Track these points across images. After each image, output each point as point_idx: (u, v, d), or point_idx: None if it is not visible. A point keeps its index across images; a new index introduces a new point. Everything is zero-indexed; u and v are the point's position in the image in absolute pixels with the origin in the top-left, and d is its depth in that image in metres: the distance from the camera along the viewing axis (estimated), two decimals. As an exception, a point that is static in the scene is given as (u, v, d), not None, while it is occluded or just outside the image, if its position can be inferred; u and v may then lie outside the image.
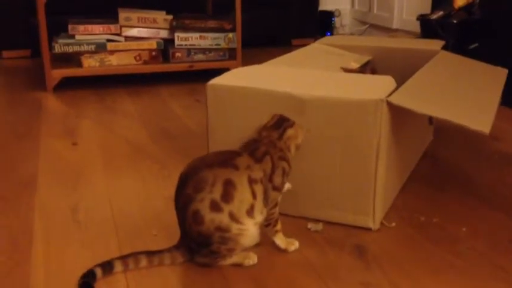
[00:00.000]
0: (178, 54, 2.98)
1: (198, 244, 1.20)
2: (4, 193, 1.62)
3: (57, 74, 2.80)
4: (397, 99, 1.32)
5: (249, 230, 1.21)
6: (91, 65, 2.87)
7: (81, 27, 2.89)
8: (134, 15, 2.96)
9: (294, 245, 1.31)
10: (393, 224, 1.43)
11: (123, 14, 2.96)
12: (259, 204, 1.22)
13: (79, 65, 2.86)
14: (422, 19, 3.25)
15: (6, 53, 3.61)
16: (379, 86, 1.42)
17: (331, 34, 4.39)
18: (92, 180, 1.71)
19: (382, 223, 1.43)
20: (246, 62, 2.30)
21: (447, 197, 1.60)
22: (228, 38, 3.01)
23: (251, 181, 1.20)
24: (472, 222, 1.45)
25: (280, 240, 1.30)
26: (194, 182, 1.19)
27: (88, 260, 1.23)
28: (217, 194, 1.17)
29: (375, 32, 4.30)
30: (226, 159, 1.22)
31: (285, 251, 1.30)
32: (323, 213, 1.44)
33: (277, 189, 1.25)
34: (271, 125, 1.29)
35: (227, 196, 1.18)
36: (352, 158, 1.37)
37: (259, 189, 1.21)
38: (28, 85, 2.93)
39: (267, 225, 1.27)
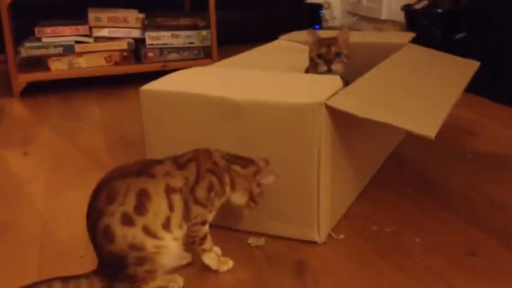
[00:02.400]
0: (150, 54, 2.88)
1: (112, 267, 1.09)
2: None
3: (23, 78, 2.71)
4: (337, 102, 1.20)
5: (168, 247, 1.09)
6: (59, 68, 2.77)
7: (48, 30, 2.79)
8: (104, 14, 2.86)
9: (227, 264, 1.20)
10: (341, 236, 1.31)
11: (92, 14, 2.85)
12: (177, 216, 1.09)
13: (46, 68, 2.77)
14: (407, 9, 3.11)
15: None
16: (323, 87, 1.30)
17: (320, 27, 4.26)
18: (31, 194, 1.61)
19: (329, 235, 1.31)
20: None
21: (407, 203, 1.47)
22: (201, 36, 2.89)
23: (169, 190, 1.09)
24: (429, 231, 1.33)
25: (209, 260, 1.19)
26: (105, 193, 1.07)
27: (2, 284, 1.13)
28: (129, 205, 1.05)
29: (364, 24, 4.17)
30: (144, 168, 1.11)
31: (216, 271, 1.19)
32: (265, 227, 1.32)
33: (201, 204, 1.13)
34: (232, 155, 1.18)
35: (141, 208, 1.06)
36: (292, 167, 1.25)
37: (177, 199, 1.10)
38: (-4, 91, 2.84)
39: (191, 243, 1.15)
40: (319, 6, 4.25)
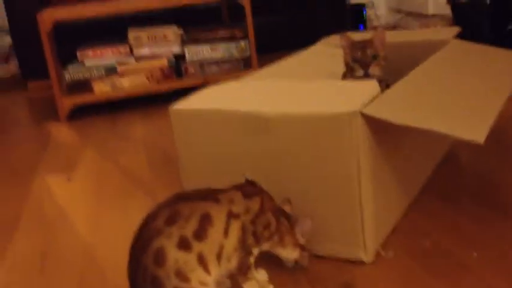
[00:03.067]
0: (191, 69, 2.86)
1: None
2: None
3: (68, 102, 2.74)
4: (373, 110, 1.12)
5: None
6: (102, 89, 2.79)
7: (89, 52, 2.82)
8: (144, 33, 2.86)
9: (268, 289, 1.13)
10: (391, 254, 1.22)
11: (132, 34, 2.87)
12: (228, 245, 1.04)
13: (91, 90, 2.79)
14: (453, 2, 2.97)
15: (31, 84, 3.60)
16: (359, 93, 1.22)
17: (365, 27, 4.15)
18: (72, 221, 1.60)
19: (378, 253, 1.23)
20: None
21: (462, 213, 1.36)
22: (240, 47, 2.85)
23: (230, 215, 1.04)
24: (486, 245, 1.22)
25: (251, 287, 1.12)
26: (166, 215, 1.01)
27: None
28: (190, 229, 1.00)
29: (410, 20, 4.02)
30: (209, 193, 1.07)
31: (258, 298, 1.12)
32: (308, 247, 1.24)
33: (256, 237, 1.07)
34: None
35: (201, 232, 1.00)
36: (330, 182, 1.17)
37: (235, 226, 1.04)
38: (44, 116, 2.88)
39: (239, 273, 1.08)
40: (362, 6, 4.14)
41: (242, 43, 2.84)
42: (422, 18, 3.81)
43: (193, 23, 3.06)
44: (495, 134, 1.72)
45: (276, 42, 3.46)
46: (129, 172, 1.92)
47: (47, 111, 2.95)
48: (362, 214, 1.17)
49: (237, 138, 1.24)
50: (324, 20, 3.84)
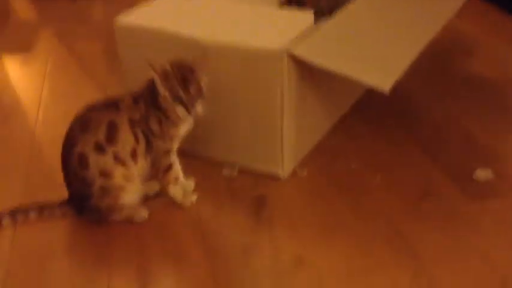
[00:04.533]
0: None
1: (79, 198, 1.19)
2: None
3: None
4: (299, 50, 1.20)
5: (133, 182, 1.19)
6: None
7: None
8: None
9: (190, 199, 1.28)
10: (305, 173, 1.37)
11: None
12: (141, 148, 1.18)
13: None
14: None
15: None
16: (292, 26, 1.29)
17: None
18: (24, 108, 1.69)
19: (294, 171, 1.37)
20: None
21: (381, 136, 1.50)
22: None
23: (132, 123, 1.17)
24: (392, 169, 1.37)
25: (174, 192, 1.26)
26: (80, 124, 1.16)
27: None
28: (101, 135, 1.14)
29: None
30: (110, 101, 1.19)
31: (180, 205, 1.27)
32: (237, 159, 1.38)
33: (156, 136, 1.19)
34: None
35: (111, 137, 1.15)
36: (258, 106, 1.29)
37: (139, 131, 1.17)
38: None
39: (156, 175, 1.23)
40: None
41: None
42: None
43: None
44: (442, 64, 1.81)
45: None
46: (84, 61, 1.98)
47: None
48: (282, 137, 1.30)
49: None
50: None
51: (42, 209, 1.24)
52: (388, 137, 1.49)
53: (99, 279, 1.09)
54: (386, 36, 1.34)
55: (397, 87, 1.66)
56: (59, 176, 1.21)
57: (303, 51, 1.20)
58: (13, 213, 1.23)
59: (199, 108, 1.16)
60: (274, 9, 1.48)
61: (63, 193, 1.22)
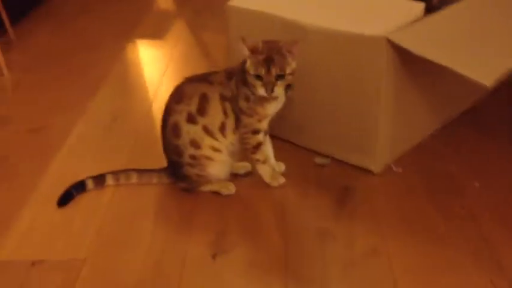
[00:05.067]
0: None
1: (174, 164, 1.26)
2: (68, 96, 1.80)
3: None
4: (398, 37, 1.18)
5: (220, 152, 1.23)
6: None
7: None
8: None
9: (278, 181, 1.30)
10: (400, 170, 1.33)
11: None
12: (230, 123, 1.22)
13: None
14: None
15: None
16: (400, 14, 1.27)
17: None
18: (146, 85, 1.82)
19: (390, 167, 1.34)
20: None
21: (489, 145, 1.41)
22: None
23: (222, 97, 1.22)
24: (494, 177, 1.28)
25: (262, 171, 1.29)
26: (175, 95, 1.24)
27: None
28: (193, 106, 1.21)
29: None
30: (205, 75, 1.25)
31: (268, 185, 1.30)
32: (328, 149, 1.38)
33: (244, 113, 1.22)
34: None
35: (202, 109, 1.21)
36: (355, 94, 1.27)
37: (229, 107, 1.22)
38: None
39: (245, 150, 1.27)
40: None
41: None
42: None
43: None
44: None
45: None
46: (209, 50, 2.09)
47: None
48: (378, 129, 1.27)
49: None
50: None
51: (142, 174, 1.33)
52: (496, 146, 1.40)
53: (179, 241, 1.15)
54: (492, 36, 1.26)
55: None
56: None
57: (403, 39, 1.17)
58: (116, 174, 1.33)
59: (278, 90, 1.16)
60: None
61: (163, 163, 1.31)
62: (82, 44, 2.20)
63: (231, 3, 1.45)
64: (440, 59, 1.13)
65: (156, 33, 2.29)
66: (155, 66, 1.98)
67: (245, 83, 1.20)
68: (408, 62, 1.25)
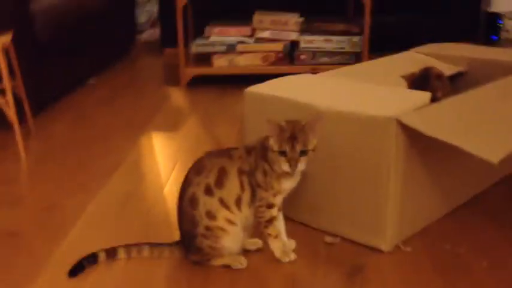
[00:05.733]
0: (303, 56, 3.04)
1: (187, 235, 1.28)
2: (85, 178, 1.86)
3: (189, 72, 3.05)
4: (408, 118, 1.25)
5: (234, 225, 1.26)
6: (221, 64, 3.06)
7: (216, 29, 3.10)
8: (267, 17, 3.09)
9: (289, 256, 1.32)
10: (408, 249, 1.35)
11: (258, 17, 3.10)
12: (246, 197, 1.26)
13: (210, 64, 3.08)
14: None
15: (167, 50, 4.00)
16: (406, 102, 1.35)
17: (498, 38, 4.05)
18: (159, 171, 1.88)
19: (398, 247, 1.36)
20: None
21: (497, 230, 1.44)
22: (352, 42, 2.98)
23: (240, 171, 1.26)
24: (502, 259, 1.30)
25: (274, 246, 1.31)
26: (195, 168, 1.30)
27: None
28: (212, 179, 1.25)
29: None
30: (225, 150, 1.32)
31: (279, 260, 1.31)
32: (338, 229, 1.41)
33: (260, 187, 1.26)
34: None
35: (219, 182, 1.25)
36: (365, 175, 1.32)
37: (246, 181, 1.26)
38: (168, 80, 3.23)
39: (258, 224, 1.30)
40: (498, 16, 4.03)
41: (354, 38, 2.97)
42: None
43: (316, 13, 3.22)
44: None
45: (394, 42, 3.51)
46: (220, 141, 2.17)
47: (172, 76, 3.30)
48: (387, 209, 1.31)
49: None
50: (453, 26, 3.80)
51: (154, 247, 1.35)
52: (501, 231, 1.43)
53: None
54: (498, 120, 1.33)
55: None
56: (174, 223, 1.33)
57: (412, 120, 1.24)
58: (128, 248, 1.35)
59: (301, 165, 1.22)
60: (394, 88, 1.54)
61: (175, 237, 1.33)
62: (98, 135, 2.29)
63: (249, 89, 1.54)
64: (449, 138, 1.19)
65: (168, 126, 2.39)
66: (168, 155, 2.05)
67: (265, 158, 1.26)
68: (418, 145, 1.31)
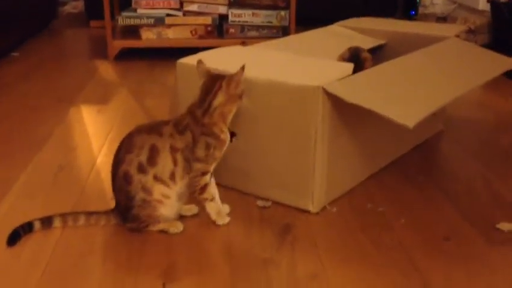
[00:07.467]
0: (232, 30, 3.08)
1: (123, 206, 1.31)
2: (12, 150, 1.84)
3: (117, 44, 3.03)
4: (332, 87, 1.33)
5: (170, 198, 1.31)
6: (149, 37, 3.06)
7: (143, 2, 3.08)
8: (195, -9, 3.09)
9: (223, 220, 1.38)
10: (334, 209, 1.44)
11: (185, -10, 3.10)
12: (179, 171, 1.31)
13: (138, 37, 3.06)
14: (492, 1, 3.04)
15: (93, 23, 3.93)
16: (332, 72, 1.43)
17: (416, 13, 4.24)
18: (90, 144, 1.88)
19: (325, 208, 1.45)
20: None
21: (412, 188, 1.56)
22: (280, 16, 3.04)
23: (173, 149, 1.30)
24: (418, 215, 1.42)
25: (210, 209, 1.37)
26: (126, 145, 1.32)
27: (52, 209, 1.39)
28: (143, 157, 1.29)
29: (462, 13, 4.08)
30: (154, 126, 1.34)
31: (214, 222, 1.37)
32: (269, 193, 1.48)
33: (200, 160, 1.32)
34: (197, 102, 1.34)
35: (152, 160, 1.29)
36: (293, 141, 1.40)
37: (180, 157, 1.30)
38: (96, 53, 3.19)
39: (193, 192, 1.35)
40: (417, -9, 4.21)
41: (282, 12, 3.04)
42: (471, 12, 3.86)
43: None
44: (487, 137, 1.89)
45: (317, 14, 3.60)
46: (151, 113, 2.18)
47: (99, 49, 3.25)
48: (314, 172, 1.39)
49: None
50: (373, 1, 3.94)
51: (90, 215, 1.37)
52: (418, 190, 1.55)
53: (127, 280, 1.18)
54: (419, 86, 1.44)
55: (441, 152, 1.74)
56: (109, 193, 1.35)
57: (336, 89, 1.32)
58: (64, 216, 1.37)
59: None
60: (320, 60, 1.61)
61: (110, 206, 1.36)
62: (25, 107, 2.25)
63: (180, 60, 1.57)
64: (368, 105, 1.28)
65: (98, 99, 2.37)
66: (99, 127, 2.05)
67: (205, 132, 1.31)
68: (343, 113, 1.40)
